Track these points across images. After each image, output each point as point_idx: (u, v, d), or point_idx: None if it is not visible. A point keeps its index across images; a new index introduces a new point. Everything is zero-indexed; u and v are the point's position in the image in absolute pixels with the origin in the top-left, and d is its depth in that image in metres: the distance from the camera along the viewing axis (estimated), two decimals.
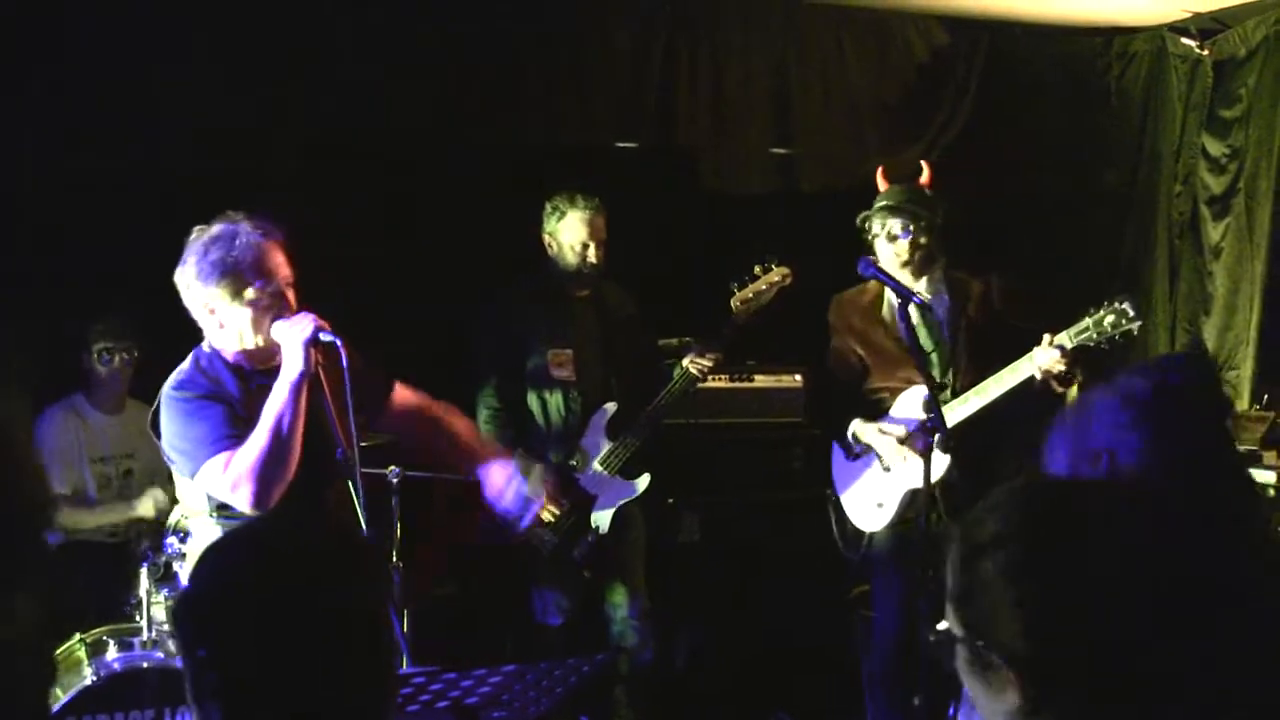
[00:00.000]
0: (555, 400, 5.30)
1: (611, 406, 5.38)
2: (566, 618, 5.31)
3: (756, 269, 5.30)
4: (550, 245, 5.35)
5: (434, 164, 6.05)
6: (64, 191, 5.39)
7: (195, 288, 3.63)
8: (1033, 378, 4.49)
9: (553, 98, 6.34)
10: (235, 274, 3.60)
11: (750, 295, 5.29)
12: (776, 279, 5.30)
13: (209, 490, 3.62)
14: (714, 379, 5.77)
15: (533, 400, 5.32)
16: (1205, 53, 6.95)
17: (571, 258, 5.30)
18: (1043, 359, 4.43)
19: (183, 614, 1.77)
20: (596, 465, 5.33)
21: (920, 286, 4.76)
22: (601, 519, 5.33)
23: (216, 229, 3.64)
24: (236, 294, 3.61)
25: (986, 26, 7.02)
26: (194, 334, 3.76)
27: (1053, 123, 7.16)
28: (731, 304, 5.30)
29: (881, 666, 4.93)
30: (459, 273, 5.84)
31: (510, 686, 3.12)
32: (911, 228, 4.74)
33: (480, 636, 5.48)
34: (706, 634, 6.00)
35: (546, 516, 5.20)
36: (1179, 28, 7.03)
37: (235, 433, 3.58)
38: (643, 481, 5.37)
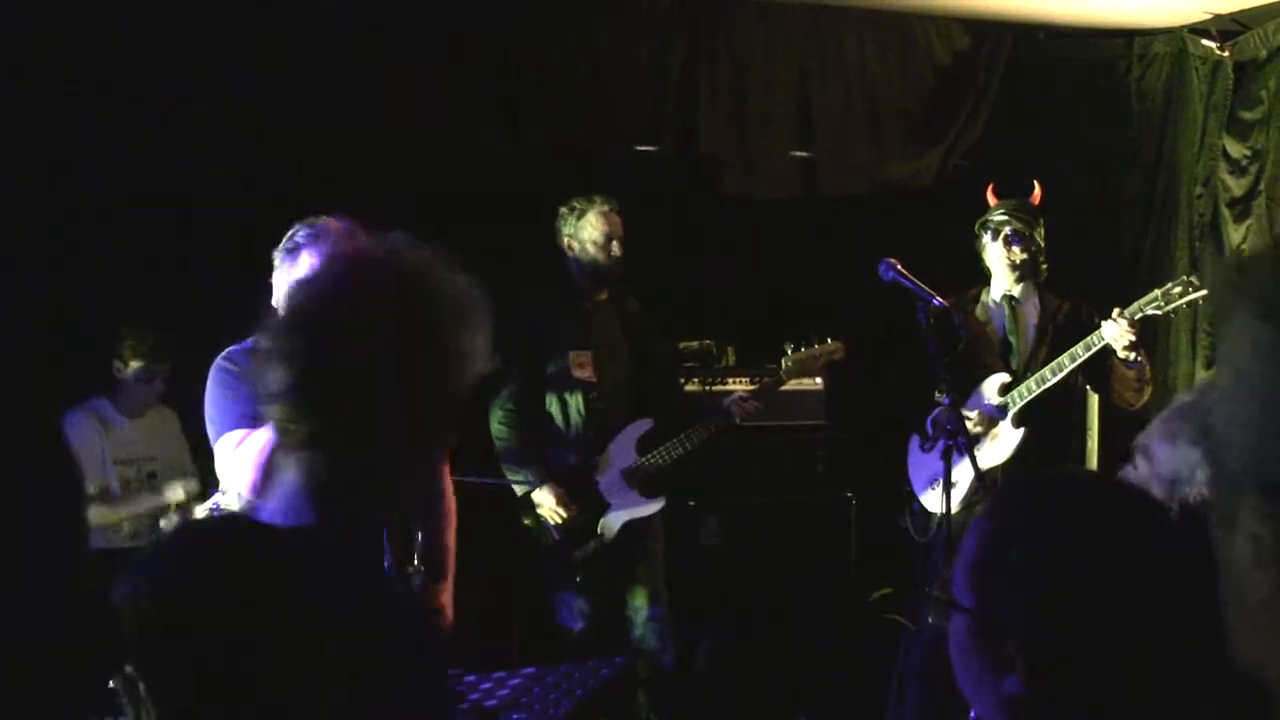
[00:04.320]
0: (575, 401, 5.33)
1: (647, 423, 5.42)
2: (587, 622, 5.33)
3: (813, 338, 5.59)
4: (570, 247, 5.38)
5: (449, 168, 6.06)
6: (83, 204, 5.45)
7: (276, 266, 3.80)
8: (1104, 351, 4.91)
9: (572, 102, 6.36)
10: (305, 263, 3.70)
11: (803, 358, 5.58)
12: (830, 350, 5.61)
13: (221, 461, 3.76)
14: (735, 382, 5.87)
15: (553, 402, 5.34)
16: (1226, 54, 6.92)
17: (595, 253, 5.34)
18: (1111, 330, 4.84)
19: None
20: (619, 476, 5.36)
21: (1017, 291, 5.27)
22: (609, 526, 5.37)
23: (315, 223, 3.80)
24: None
25: (1007, 29, 7.01)
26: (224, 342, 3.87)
27: (1073, 125, 7.15)
28: (782, 362, 5.59)
29: (921, 657, 4.98)
30: (477, 277, 5.83)
31: (529, 689, 3.14)
32: (1026, 234, 5.24)
33: (499, 639, 5.50)
34: (728, 637, 6.01)
35: (554, 519, 5.26)
36: (1199, 29, 7.00)
37: (258, 414, 3.64)
38: (658, 503, 5.42)
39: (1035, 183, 5.46)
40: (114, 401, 5.51)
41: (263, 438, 3.63)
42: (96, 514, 5.36)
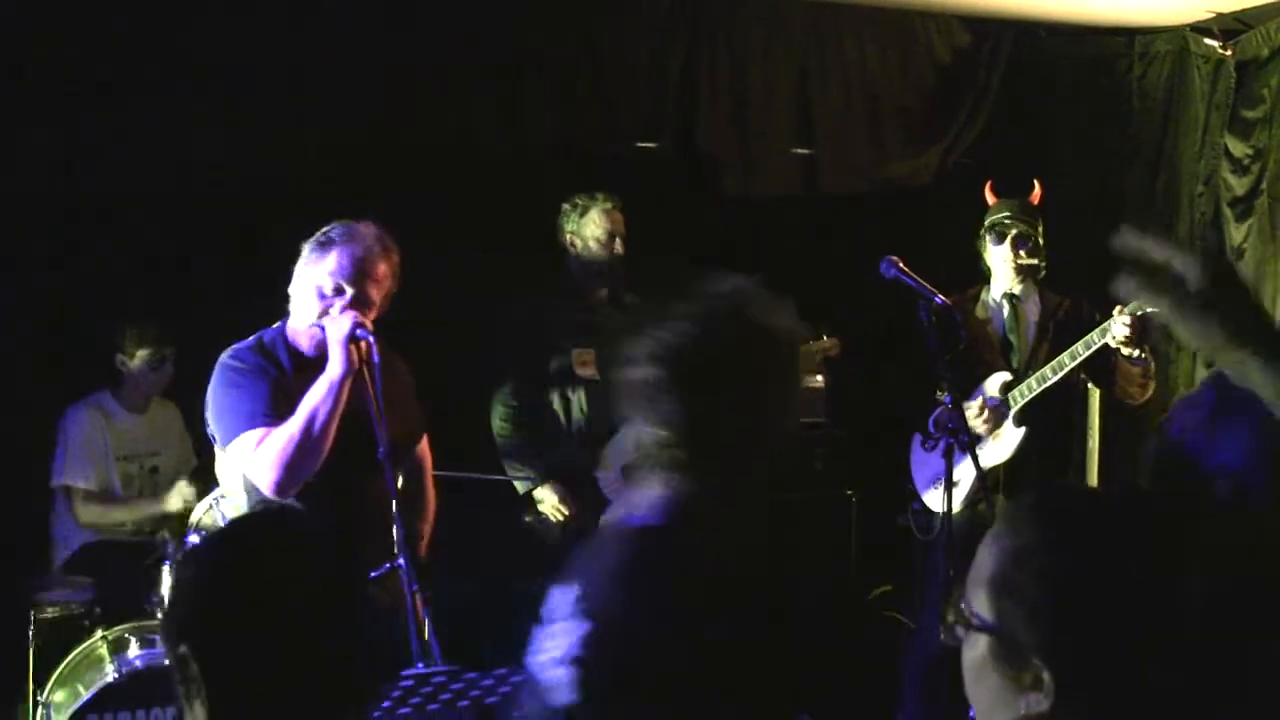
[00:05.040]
0: (579, 399, 5.32)
1: None
2: None
3: (809, 335, 5.57)
4: (573, 244, 5.37)
5: (450, 166, 6.06)
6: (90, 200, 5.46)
7: (303, 256, 3.78)
8: (1106, 348, 4.87)
9: (572, 102, 6.35)
10: (333, 259, 3.73)
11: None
12: (826, 346, 5.64)
13: (237, 463, 3.71)
14: None
15: (556, 400, 5.33)
16: (1228, 53, 6.91)
17: (597, 250, 5.33)
18: (1113, 328, 4.79)
19: (168, 610, 1.81)
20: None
21: (1019, 289, 5.26)
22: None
23: (350, 224, 3.79)
24: (326, 275, 3.73)
25: (1008, 27, 7.00)
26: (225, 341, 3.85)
27: (1074, 123, 7.14)
28: None
29: (924, 655, 4.97)
30: (476, 275, 5.86)
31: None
32: (1033, 236, 5.25)
33: (500, 636, 5.49)
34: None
35: (556, 517, 5.26)
36: (1201, 28, 6.98)
37: (274, 412, 3.65)
38: None
39: (1035, 181, 5.44)
40: (117, 396, 5.51)
41: (285, 435, 3.59)
42: (97, 513, 5.38)
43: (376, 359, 3.65)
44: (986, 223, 5.33)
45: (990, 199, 5.38)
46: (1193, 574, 1.53)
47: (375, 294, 3.78)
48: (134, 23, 5.45)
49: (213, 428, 3.76)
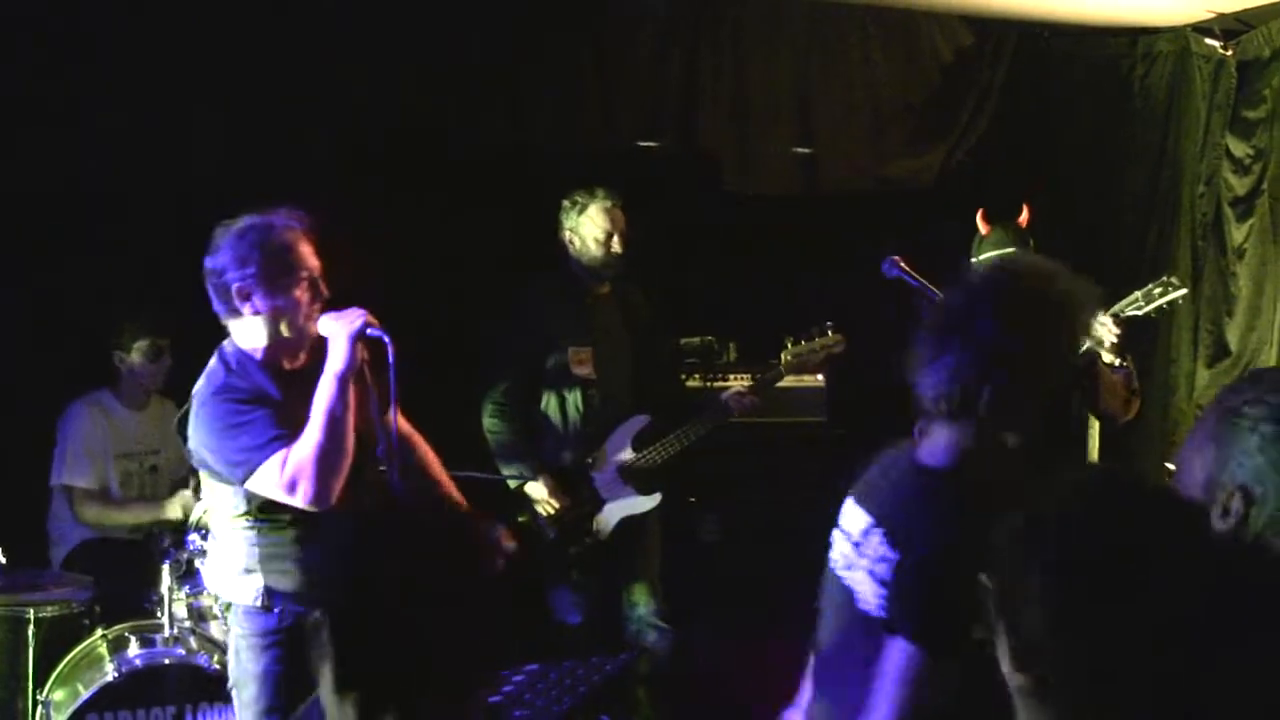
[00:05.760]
0: (574, 398, 5.29)
1: (643, 419, 5.39)
2: (584, 616, 5.31)
3: (814, 331, 5.49)
4: (572, 241, 5.34)
5: (451, 164, 6.05)
6: (91, 193, 5.44)
7: (230, 273, 3.60)
8: (1090, 360, 4.77)
9: (574, 98, 6.34)
10: (273, 259, 3.60)
11: (803, 352, 5.48)
12: (830, 344, 5.50)
13: (265, 493, 3.56)
14: (737, 378, 5.83)
15: (551, 399, 5.31)
16: (1229, 53, 6.92)
17: (595, 249, 5.30)
18: (1098, 330, 4.71)
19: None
20: (615, 472, 5.33)
21: None
22: (604, 524, 5.34)
23: (248, 220, 3.64)
24: (274, 279, 3.60)
25: (1011, 27, 7.00)
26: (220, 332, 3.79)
27: (1076, 123, 7.14)
28: (782, 355, 5.50)
29: None
30: (476, 274, 5.85)
31: (533, 686, 3.13)
32: None
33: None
34: (727, 633, 5.99)
35: (547, 511, 5.23)
36: (1203, 28, 6.99)
37: (284, 432, 3.53)
38: (654, 499, 5.39)
39: (1024, 206, 5.34)
40: (116, 393, 5.50)
41: (310, 443, 3.49)
42: (99, 513, 5.36)
43: (392, 359, 3.56)
44: (984, 256, 5.12)
45: (983, 228, 5.21)
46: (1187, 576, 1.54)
47: (314, 272, 3.66)
48: (135, 22, 5.44)
49: (221, 468, 3.61)
